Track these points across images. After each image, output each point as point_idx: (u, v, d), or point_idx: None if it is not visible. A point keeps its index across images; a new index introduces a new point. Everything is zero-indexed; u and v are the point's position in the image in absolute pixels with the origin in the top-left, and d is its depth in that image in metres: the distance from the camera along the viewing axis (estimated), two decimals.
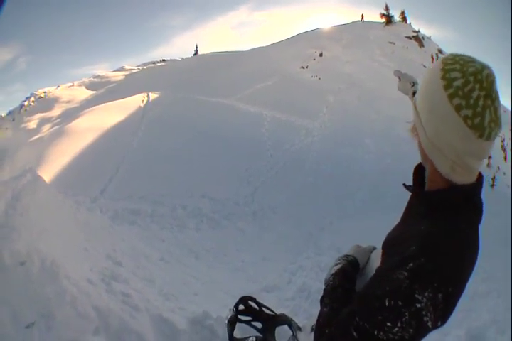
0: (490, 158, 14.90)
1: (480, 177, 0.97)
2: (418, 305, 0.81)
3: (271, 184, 10.61)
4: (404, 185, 1.09)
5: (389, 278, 0.86)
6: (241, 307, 1.82)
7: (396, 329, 0.82)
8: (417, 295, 0.82)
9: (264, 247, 7.47)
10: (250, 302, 1.84)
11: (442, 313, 0.86)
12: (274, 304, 4.75)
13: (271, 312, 1.88)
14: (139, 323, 3.48)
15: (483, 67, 0.86)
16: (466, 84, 0.84)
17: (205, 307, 4.07)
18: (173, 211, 8.69)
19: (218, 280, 5.95)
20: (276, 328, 1.85)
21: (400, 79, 1.78)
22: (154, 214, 8.43)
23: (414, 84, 1.68)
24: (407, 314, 0.82)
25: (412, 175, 1.09)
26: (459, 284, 0.89)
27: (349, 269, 1.13)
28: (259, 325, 1.87)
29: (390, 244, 1.02)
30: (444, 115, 0.86)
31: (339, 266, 1.15)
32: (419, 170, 1.07)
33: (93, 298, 3.53)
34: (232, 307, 1.81)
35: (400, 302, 0.82)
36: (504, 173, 13.82)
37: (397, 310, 0.82)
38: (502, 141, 21.76)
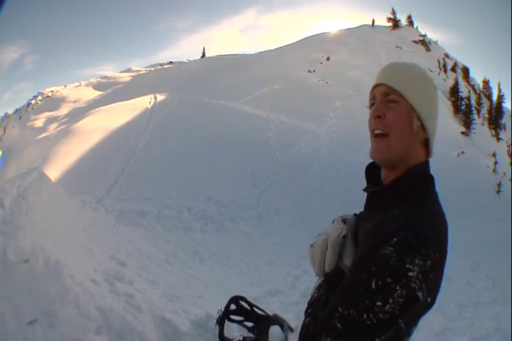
0: (496, 163, 14.77)
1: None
2: (410, 274, 0.81)
3: (276, 188, 10.61)
4: (364, 189, 1.13)
5: (372, 258, 0.86)
6: (233, 307, 1.82)
7: (388, 306, 0.81)
8: (408, 265, 0.82)
9: (268, 251, 7.45)
10: (242, 303, 1.84)
11: (433, 284, 0.87)
12: (278, 308, 4.73)
13: (263, 313, 1.87)
14: (142, 324, 3.47)
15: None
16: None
17: (208, 310, 4.05)
18: (178, 213, 8.70)
19: (222, 283, 5.93)
20: (270, 329, 1.84)
21: None
22: (160, 216, 8.44)
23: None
24: (397, 288, 0.81)
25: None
26: (442, 252, 0.89)
27: (331, 279, 1.11)
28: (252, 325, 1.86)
29: (360, 241, 1.02)
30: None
31: (322, 278, 1.14)
32: (370, 173, 1.15)
33: (96, 297, 3.52)
34: (222, 307, 1.81)
35: (388, 279, 0.82)
36: (510, 179, 13.71)
37: (387, 288, 0.82)
38: (508, 146, 21.44)
